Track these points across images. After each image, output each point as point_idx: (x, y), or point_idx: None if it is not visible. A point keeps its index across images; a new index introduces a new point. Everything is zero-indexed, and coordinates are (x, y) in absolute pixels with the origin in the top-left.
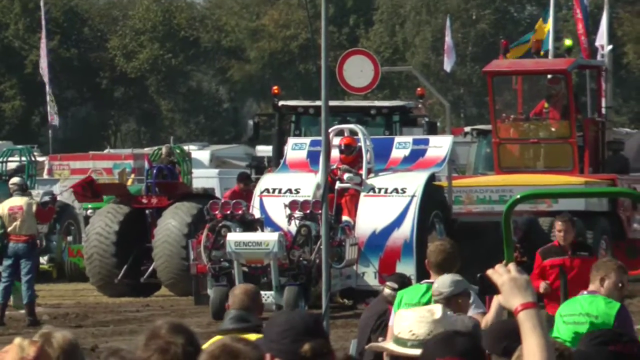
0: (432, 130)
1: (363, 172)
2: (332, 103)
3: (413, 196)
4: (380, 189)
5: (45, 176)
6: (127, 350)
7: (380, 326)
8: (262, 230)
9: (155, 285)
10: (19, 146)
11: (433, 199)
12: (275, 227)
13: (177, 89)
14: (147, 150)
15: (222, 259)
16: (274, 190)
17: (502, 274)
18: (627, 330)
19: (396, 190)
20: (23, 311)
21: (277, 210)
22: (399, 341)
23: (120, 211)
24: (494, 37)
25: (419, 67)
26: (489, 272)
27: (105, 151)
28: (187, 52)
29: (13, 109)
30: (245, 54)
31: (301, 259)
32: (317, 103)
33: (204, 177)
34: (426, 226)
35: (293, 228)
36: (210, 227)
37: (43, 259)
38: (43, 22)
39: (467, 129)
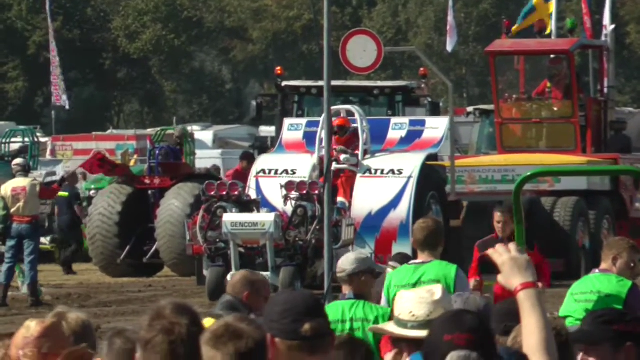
0: (435, 110)
1: (359, 153)
2: (334, 83)
3: (410, 177)
4: (376, 170)
5: (48, 157)
6: (132, 330)
7: None
8: (258, 211)
9: (157, 265)
10: (22, 127)
11: (429, 180)
12: (272, 208)
13: (180, 69)
14: (150, 131)
15: (218, 240)
16: (270, 171)
17: (502, 253)
18: (639, 309)
19: (392, 171)
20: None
21: (273, 191)
22: (400, 323)
23: (123, 192)
24: (497, 17)
25: (422, 48)
26: (489, 252)
27: (108, 132)
28: (190, 33)
29: (16, 90)
30: (248, 35)
31: (297, 239)
32: (320, 83)
33: (207, 158)
34: (422, 207)
35: (289, 209)
36: (206, 208)
37: (45, 240)
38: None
39: (470, 109)
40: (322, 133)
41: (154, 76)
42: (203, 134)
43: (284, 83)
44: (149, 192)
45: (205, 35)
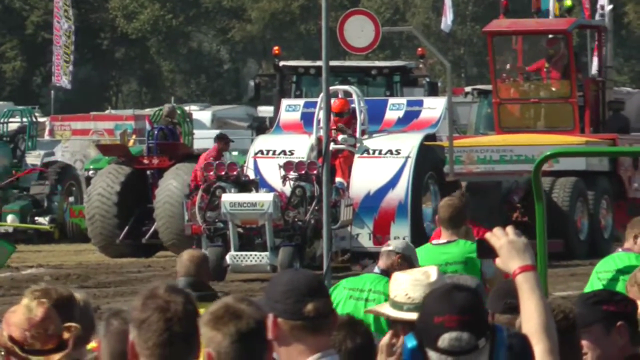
0: (433, 90)
1: (357, 133)
2: (332, 63)
3: (407, 157)
4: (374, 151)
5: (46, 137)
6: (129, 311)
7: None
8: (257, 192)
9: (156, 245)
10: (20, 107)
11: (427, 160)
12: (270, 188)
13: (178, 49)
14: (148, 111)
15: (216, 220)
16: (268, 151)
17: (500, 237)
18: None
19: (390, 151)
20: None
21: (271, 172)
22: (396, 305)
23: (121, 172)
24: None
25: (420, 28)
26: (487, 235)
27: (107, 112)
28: (187, 13)
29: (14, 70)
30: (246, 15)
31: (296, 219)
32: (318, 63)
33: (205, 138)
34: (420, 187)
35: (287, 189)
36: (205, 188)
37: (45, 220)
38: None
39: (468, 89)
40: (320, 114)
41: (152, 56)
42: (201, 114)
43: (282, 63)
44: (148, 172)
45: (203, 15)
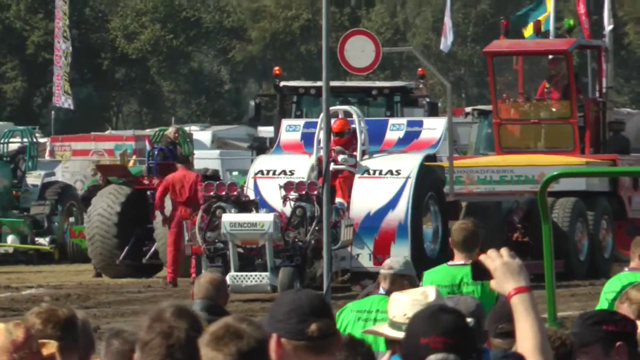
0: (433, 110)
1: (357, 153)
2: (333, 84)
3: (408, 178)
4: (374, 171)
5: (46, 157)
6: (130, 331)
7: None
8: (257, 212)
9: (156, 266)
10: (21, 127)
11: (428, 181)
12: (270, 209)
13: (178, 69)
14: (148, 131)
15: (217, 240)
16: (268, 171)
17: (494, 259)
18: None
19: (391, 171)
20: None
21: (272, 192)
22: (394, 325)
23: (121, 192)
24: (495, 17)
25: (420, 48)
26: (482, 257)
27: (107, 132)
28: (188, 33)
29: (14, 90)
30: (246, 35)
31: (296, 240)
32: (319, 84)
33: (205, 158)
34: (421, 208)
35: (288, 209)
36: (205, 208)
37: (45, 240)
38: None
39: (468, 109)
40: (320, 134)
41: (152, 76)
42: (201, 134)
43: (283, 83)
44: (148, 192)
45: (204, 36)
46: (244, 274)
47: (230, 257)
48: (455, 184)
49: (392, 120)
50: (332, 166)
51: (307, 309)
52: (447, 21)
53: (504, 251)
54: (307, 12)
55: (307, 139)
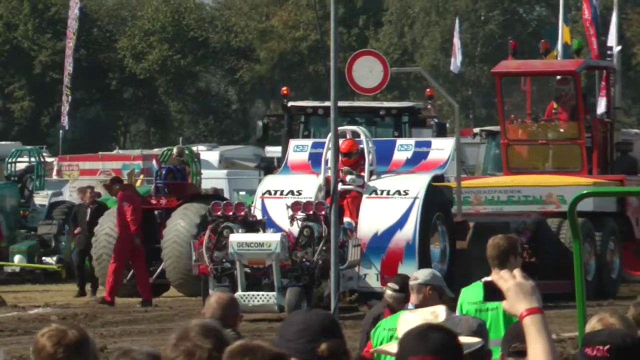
0: (441, 131)
1: (365, 174)
2: (341, 104)
3: (415, 198)
4: (382, 191)
5: (54, 177)
6: (138, 351)
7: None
8: (264, 232)
9: (164, 285)
10: (28, 147)
11: (435, 201)
12: (277, 229)
13: (186, 89)
14: (156, 151)
15: (224, 260)
16: (275, 192)
17: (507, 279)
18: None
19: (398, 192)
20: None
21: (279, 212)
22: None
23: None
24: (503, 38)
25: (428, 68)
26: (494, 277)
27: (114, 152)
28: (196, 53)
29: (22, 110)
30: (254, 55)
31: (304, 260)
32: (326, 104)
33: (213, 178)
34: (428, 228)
35: (295, 229)
36: (213, 228)
37: (52, 260)
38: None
39: (476, 130)
40: (327, 154)
41: (160, 96)
42: (209, 154)
43: (290, 103)
44: (155, 212)
45: (212, 56)
46: (251, 293)
47: (238, 277)
48: (463, 204)
49: (400, 141)
50: (340, 186)
51: (317, 328)
52: (456, 42)
53: (516, 272)
54: (315, 33)
55: (315, 159)
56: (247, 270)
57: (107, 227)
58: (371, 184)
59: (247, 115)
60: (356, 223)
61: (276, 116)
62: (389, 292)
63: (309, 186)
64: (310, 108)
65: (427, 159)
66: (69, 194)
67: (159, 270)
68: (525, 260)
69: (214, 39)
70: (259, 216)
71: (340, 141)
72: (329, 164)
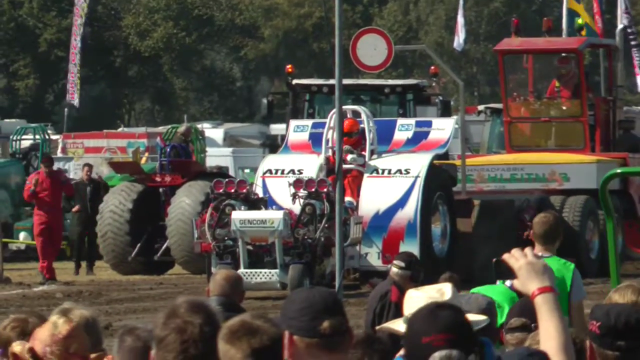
0: (446, 108)
1: (366, 153)
2: (345, 82)
3: (417, 177)
4: (383, 170)
5: (59, 154)
6: (143, 328)
7: (384, 308)
8: (266, 209)
9: (168, 263)
10: (33, 125)
11: (436, 180)
12: (278, 207)
13: (191, 67)
14: (161, 128)
15: (226, 238)
16: (276, 171)
17: (518, 258)
18: None
19: (400, 171)
20: None
21: (280, 191)
22: None
23: (134, 189)
24: (507, 16)
25: (433, 46)
26: (505, 256)
27: (119, 130)
28: (201, 31)
29: (27, 88)
30: (259, 33)
31: (306, 237)
32: (331, 82)
33: (217, 156)
34: (430, 207)
35: (297, 207)
36: (215, 206)
37: None
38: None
39: (481, 107)
40: (328, 133)
41: (165, 74)
42: (214, 132)
43: (295, 81)
44: (160, 190)
45: (216, 33)
46: (254, 271)
47: (240, 255)
48: (466, 182)
49: (400, 121)
50: None
51: (319, 306)
52: (460, 19)
53: (528, 251)
54: (320, 10)
55: (315, 139)
56: (250, 247)
57: (112, 204)
58: (372, 163)
59: (252, 93)
60: (357, 202)
61: (281, 94)
62: (394, 269)
63: (310, 165)
64: (314, 86)
65: (428, 139)
66: (74, 172)
67: (163, 248)
68: (529, 238)
69: (218, 17)
70: (260, 195)
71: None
72: (330, 144)
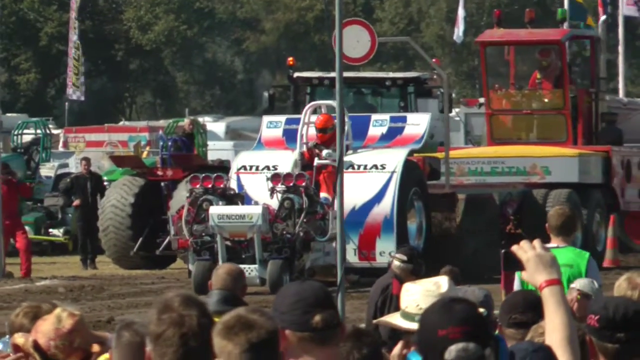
0: (448, 101)
1: None
2: (346, 74)
3: (393, 172)
4: (359, 166)
5: (60, 149)
6: (140, 323)
7: (385, 301)
8: (244, 205)
9: (170, 257)
10: (34, 119)
11: (412, 176)
12: (255, 203)
13: (192, 60)
14: (162, 122)
15: (204, 233)
16: (251, 167)
17: (527, 250)
18: None
19: (375, 166)
20: None
21: (255, 186)
22: (407, 316)
23: (135, 183)
24: (509, 7)
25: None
26: (514, 248)
27: (121, 123)
28: (202, 24)
29: (28, 82)
30: (260, 25)
31: (284, 232)
32: (332, 74)
33: (219, 150)
34: (406, 202)
35: (274, 202)
36: (192, 201)
37: (59, 232)
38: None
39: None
40: (303, 129)
41: (166, 67)
42: (215, 126)
43: (296, 74)
44: (162, 183)
45: (217, 27)
46: None
47: (218, 250)
48: (443, 174)
49: (375, 116)
50: (316, 161)
51: (311, 300)
52: (461, 12)
53: (536, 243)
54: (321, 2)
55: (289, 136)
56: (228, 243)
57: (113, 199)
58: (347, 158)
59: (254, 86)
60: (333, 198)
61: (282, 87)
62: (396, 262)
63: (284, 161)
64: (316, 79)
65: (403, 134)
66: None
67: (165, 242)
68: (511, 231)
69: (219, 10)
70: (235, 191)
71: (314, 117)
72: (305, 139)
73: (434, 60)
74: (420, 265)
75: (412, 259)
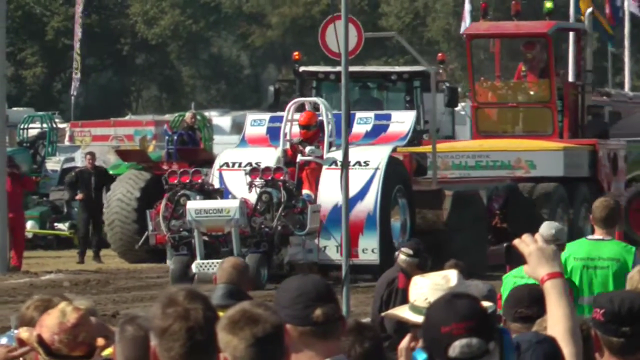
0: (453, 95)
1: (325, 145)
2: (352, 69)
3: (376, 169)
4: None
5: (66, 143)
6: (144, 317)
7: (391, 294)
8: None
9: None
10: (40, 113)
11: (396, 174)
12: (234, 197)
13: (198, 55)
14: (168, 116)
15: (181, 229)
16: (233, 164)
17: (529, 243)
18: None
19: (359, 163)
20: None
21: (237, 183)
22: (415, 309)
23: (141, 177)
24: (515, 1)
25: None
26: (516, 242)
27: (126, 118)
28: (208, 18)
29: (34, 76)
30: (266, 20)
31: (263, 226)
32: (338, 69)
33: (225, 144)
34: (389, 199)
35: (253, 196)
36: (169, 197)
37: (64, 226)
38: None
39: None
40: (287, 126)
41: (172, 62)
42: (221, 120)
43: (302, 68)
44: None
45: (223, 21)
46: (211, 261)
47: (196, 245)
48: (429, 169)
49: (359, 114)
50: (299, 157)
51: (312, 294)
52: (467, 5)
53: (538, 237)
54: None
55: (273, 133)
56: (206, 238)
57: (119, 192)
58: (330, 155)
59: (259, 80)
60: (315, 195)
61: (288, 81)
62: (402, 256)
63: (267, 158)
64: (321, 73)
65: (387, 132)
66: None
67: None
68: (497, 225)
69: (225, 4)
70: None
71: (298, 114)
72: (289, 136)
73: (439, 55)
74: (426, 259)
75: (418, 252)
